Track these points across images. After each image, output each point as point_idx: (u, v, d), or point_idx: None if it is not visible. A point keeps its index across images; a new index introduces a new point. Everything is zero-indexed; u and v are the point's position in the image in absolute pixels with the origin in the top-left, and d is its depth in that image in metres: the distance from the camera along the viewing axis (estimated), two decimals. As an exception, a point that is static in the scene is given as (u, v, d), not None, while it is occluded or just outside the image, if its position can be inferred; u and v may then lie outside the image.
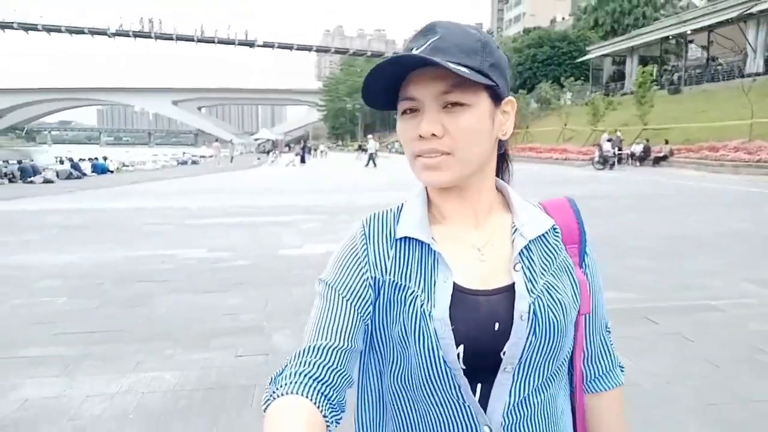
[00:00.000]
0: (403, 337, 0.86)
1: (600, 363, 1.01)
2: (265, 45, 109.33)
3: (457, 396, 0.86)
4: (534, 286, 0.87)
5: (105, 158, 28.83)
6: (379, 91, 0.85)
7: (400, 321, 0.86)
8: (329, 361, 0.81)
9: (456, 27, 0.86)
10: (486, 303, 0.86)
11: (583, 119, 34.46)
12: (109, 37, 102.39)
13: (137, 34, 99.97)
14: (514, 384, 0.87)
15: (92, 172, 25.22)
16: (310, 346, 0.83)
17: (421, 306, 0.85)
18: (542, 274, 0.89)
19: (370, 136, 39.71)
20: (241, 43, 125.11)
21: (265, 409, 0.74)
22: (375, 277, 0.89)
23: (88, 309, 4.95)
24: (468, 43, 0.83)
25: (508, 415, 0.87)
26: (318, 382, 0.78)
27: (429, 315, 0.84)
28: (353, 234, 0.93)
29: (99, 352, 3.96)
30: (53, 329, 4.41)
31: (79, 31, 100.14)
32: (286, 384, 0.76)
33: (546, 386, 0.90)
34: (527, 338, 0.84)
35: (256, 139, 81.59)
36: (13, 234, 9.30)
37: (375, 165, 30.83)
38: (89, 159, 27.05)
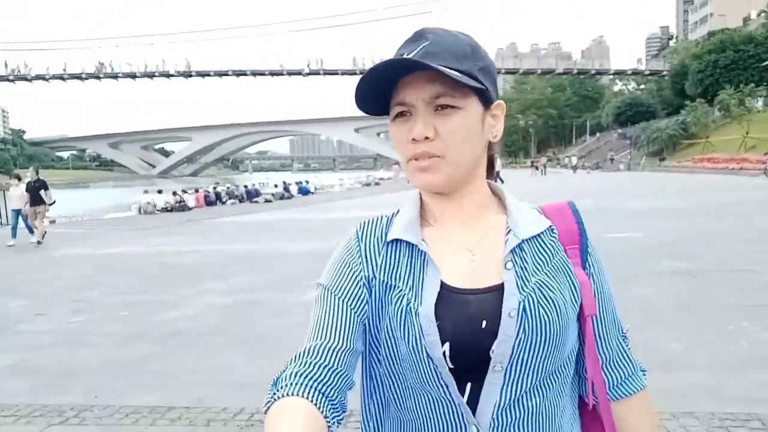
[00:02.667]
0: (390, 335, 0.87)
1: (620, 368, 0.99)
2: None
3: (445, 394, 0.87)
4: (525, 285, 0.86)
5: (307, 182, 34.21)
6: (372, 96, 0.87)
7: (388, 319, 0.88)
8: (328, 362, 0.82)
9: (446, 32, 0.87)
10: (474, 301, 0.86)
11: (769, 127, 32.94)
12: (303, 76, 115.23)
13: (311, 72, 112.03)
14: (506, 384, 0.86)
15: (298, 193, 30.47)
16: (309, 348, 0.84)
17: (408, 304, 0.86)
18: (535, 272, 0.88)
19: (495, 154, 41.36)
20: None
21: (266, 410, 0.76)
22: (368, 277, 0.91)
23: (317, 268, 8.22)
24: (458, 48, 0.85)
25: (498, 417, 0.86)
26: (318, 383, 0.79)
27: (415, 312, 0.85)
28: (348, 238, 0.96)
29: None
30: (306, 279, 7.69)
31: (279, 73, 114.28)
32: (286, 385, 0.78)
33: (543, 389, 0.88)
34: (517, 336, 0.84)
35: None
36: (268, 233, 13.48)
37: (503, 181, 32.63)
38: (296, 183, 32.45)
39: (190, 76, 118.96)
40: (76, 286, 7.87)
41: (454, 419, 0.87)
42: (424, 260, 0.90)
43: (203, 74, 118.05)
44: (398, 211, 0.97)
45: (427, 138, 0.84)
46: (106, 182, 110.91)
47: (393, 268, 0.91)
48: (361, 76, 0.84)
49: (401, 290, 0.88)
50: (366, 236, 0.95)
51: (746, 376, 3.78)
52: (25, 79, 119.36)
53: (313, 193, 32.15)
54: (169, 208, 21.86)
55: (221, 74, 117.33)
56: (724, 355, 4.19)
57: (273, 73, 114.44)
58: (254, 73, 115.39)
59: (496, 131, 0.92)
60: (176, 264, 9.45)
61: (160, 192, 24.08)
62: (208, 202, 24.45)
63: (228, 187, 29.07)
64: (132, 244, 12.66)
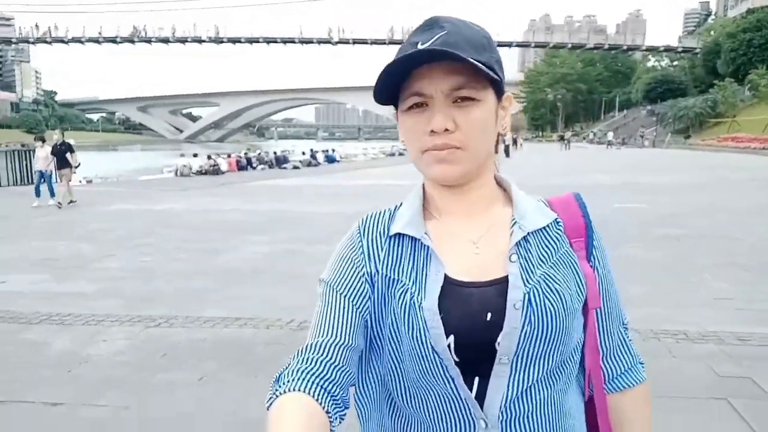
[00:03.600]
0: (395, 329, 0.87)
1: (620, 360, 1.00)
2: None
3: (452, 389, 0.87)
4: (530, 277, 0.86)
5: (333, 150, 35.16)
6: (384, 85, 0.85)
7: (392, 314, 0.88)
8: (331, 358, 0.82)
9: (461, 22, 0.86)
10: (478, 294, 0.86)
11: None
12: (333, 44, 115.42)
13: (340, 41, 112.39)
14: (512, 376, 0.85)
15: (324, 161, 31.46)
16: (311, 344, 0.84)
17: (411, 298, 0.87)
18: (540, 265, 0.88)
19: (505, 134, 41.80)
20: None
21: (269, 406, 0.76)
22: (371, 272, 0.91)
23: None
24: (476, 39, 0.84)
25: (506, 410, 0.86)
26: (320, 379, 0.79)
27: (419, 306, 0.86)
28: (350, 233, 0.97)
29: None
30: (336, 236, 8.68)
31: (308, 41, 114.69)
32: (289, 381, 0.78)
33: (550, 382, 0.88)
34: (522, 328, 0.84)
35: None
36: (299, 196, 14.55)
37: (508, 156, 33.34)
38: (322, 151, 33.43)
39: (222, 42, 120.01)
40: (135, 235, 9.00)
41: (462, 414, 0.87)
42: (427, 254, 0.89)
43: (234, 40, 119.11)
44: (401, 204, 0.97)
45: (446, 130, 0.83)
46: (134, 145, 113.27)
47: (396, 262, 0.91)
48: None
49: (404, 284, 0.88)
50: (368, 231, 0.95)
51: (694, 312, 4.69)
52: (62, 41, 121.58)
53: (339, 161, 33.09)
54: (203, 171, 23.03)
55: (251, 41, 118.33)
56: (682, 298, 5.10)
57: (303, 41, 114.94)
58: (284, 41, 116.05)
59: (506, 123, 0.92)
60: (220, 220, 10.55)
61: (195, 156, 25.28)
62: (240, 167, 25.61)
63: (258, 153, 30.22)
64: (176, 202, 13.81)
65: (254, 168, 26.74)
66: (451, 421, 0.88)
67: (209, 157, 24.44)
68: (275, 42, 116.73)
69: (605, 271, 0.96)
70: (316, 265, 5.88)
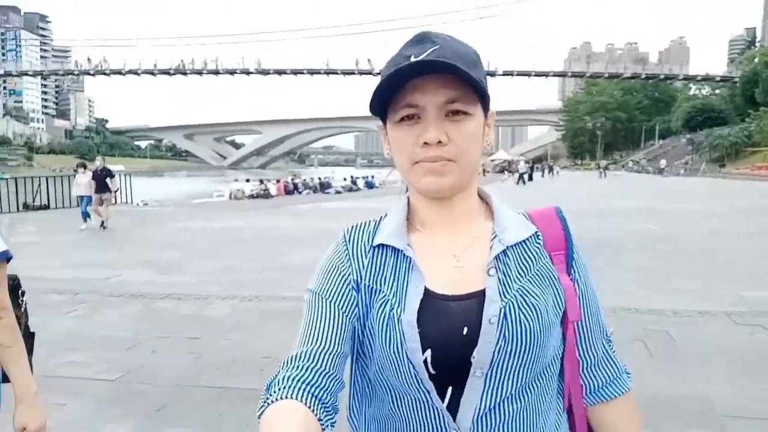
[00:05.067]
0: (373, 339, 0.89)
1: (604, 372, 1.00)
2: (505, 74, 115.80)
3: (426, 399, 0.88)
4: (507, 291, 0.87)
5: (372, 176, 37.09)
6: (381, 96, 0.86)
7: (371, 323, 0.89)
8: (319, 365, 0.84)
9: (450, 38, 0.88)
10: (456, 308, 0.87)
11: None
12: (374, 75, 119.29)
13: (380, 73, 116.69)
14: (486, 390, 0.87)
15: (364, 186, 33.39)
16: (300, 352, 0.85)
17: (391, 310, 0.88)
18: (518, 279, 0.89)
19: (521, 157, 43.59)
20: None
21: (260, 415, 0.76)
22: (356, 280, 0.92)
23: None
24: (467, 54, 0.86)
25: (478, 422, 0.87)
26: (310, 386, 0.80)
27: (397, 319, 0.86)
28: (336, 243, 0.98)
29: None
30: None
31: (350, 73, 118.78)
32: (279, 389, 0.79)
33: (525, 394, 0.89)
34: (497, 342, 0.85)
35: (492, 160, 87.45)
36: (345, 216, 16.27)
37: (524, 183, 34.63)
38: (362, 177, 35.41)
39: (267, 73, 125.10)
40: (212, 245, 10.85)
41: (435, 423, 0.89)
42: (409, 266, 0.91)
43: (279, 72, 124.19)
44: (386, 215, 0.99)
45: (439, 142, 0.84)
46: (179, 171, 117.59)
47: (378, 272, 0.92)
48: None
49: (385, 295, 0.89)
50: (353, 240, 0.96)
51: (626, 287, 6.14)
52: (120, 73, 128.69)
53: (377, 186, 34.93)
54: (254, 195, 25.15)
55: (296, 72, 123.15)
56: (621, 279, 6.55)
57: (344, 72, 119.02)
58: (327, 72, 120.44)
59: (489, 139, 0.93)
60: (278, 234, 12.35)
61: (248, 181, 27.56)
62: (287, 191, 27.71)
63: (304, 179, 32.36)
64: (237, 220, 15.72)
65: (300, 192, 28.82)
66: (424, 429, 0.90)
67: (261, 182, 26.63)
68: (318, 73, 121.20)
69: (585, 284, 0.96)
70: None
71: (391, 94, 0.86)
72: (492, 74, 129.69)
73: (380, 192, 30.77)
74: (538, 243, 0.94)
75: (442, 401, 0.88)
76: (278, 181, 29.60)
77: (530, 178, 43.08)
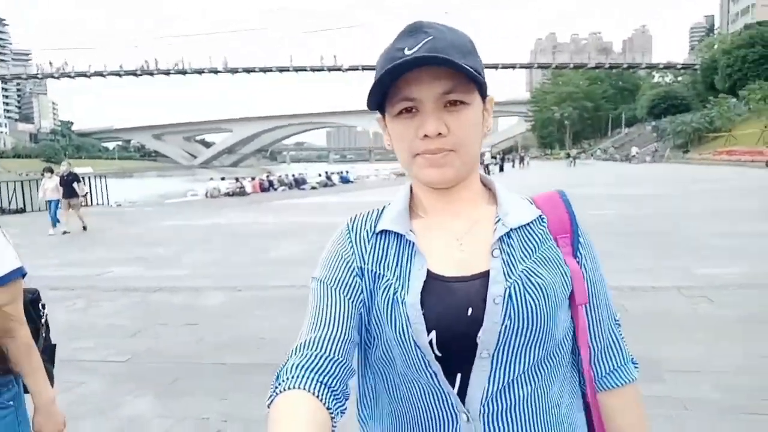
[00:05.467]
0: (379, 323, 0.90)
1: (610, 358, 0.99)
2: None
3: (434, 382, 0.89)
4: (511, 272, 0.88)
5: (347, 171, 37.47)
6: (377, 90, 0.86)
7: (376, 308, 0.90)
8: (328, 352, 0.84)
9: (444, 27, 0.87)
10: (460, 289, 0.88)
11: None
12: (343, 71, 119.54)
13: (350, 68, 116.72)
14: (493, 371, 0.87)
15: (339, 181, 33.74)
16: (307, 340, 0.86)
17: (395, 294, 0.89)
18: (522, 260, 0.89)
19: (487, 149, 44.43)
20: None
21: (269, 404, 0.77)
22: (361, 267, 0.93)
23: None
24: (462, 43, 0.86)
25: (487, 404, 0.87)
26: (318, 374, 0.81)
27: (402, 301, 0.88)
28: (339, 232, 1.00)
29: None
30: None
31: (319, 69, 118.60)
32: (288, 378, 0.79)
33: (533, 376, 0.89)
34: (502, 322, 0.85)
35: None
36: (321, 211, 16.77)
37: (489, 173, 35.52)
38: (337, 173, 35.78)
39: (236, 72, 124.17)
40: (196, 241, 11.17)
41: (445, 407, 0.89)
42: (411, 250, 0.92)
43: (248, 70, 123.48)
44: (389, 204, 1.00)
45: (439, 134, 0.84)
46: (149, 172, 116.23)
47: (381, 258, 0.93)
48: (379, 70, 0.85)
49: (388, 279, 0.90)
50: (356, 227, 0.98)
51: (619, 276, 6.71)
52: (85, 75, 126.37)
53: (353, 182, 35.35)
54: (230, 193, 25.38)
55: (265, 70, 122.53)
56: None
57: (314, 69, 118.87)
58: (296, 69, 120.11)
59: (488, 125, 0.94)
60: (259, 230, 12.71)
61: (223, 179, 27.73)
62: (263, 188, 28.01)
63: (279, 176, 32.61)
64: (217, 217, 16.00)
65: (275, 189, 29.10)
66: (435, 414, 0.90)
67: (236, 180, 26.86)
68: (287, 70, 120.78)
69: (592, 266, 0.97)
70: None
71: (387, 88, 0.87)
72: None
73: (355, 186, 31.23)
74: (543, 226, 0.95)
75: (452, 387, 0.89)
76: (253, 178, 29.81)
77: (501, 168, 43.96)
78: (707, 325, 4.88)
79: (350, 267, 0.93)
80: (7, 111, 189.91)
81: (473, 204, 0.96)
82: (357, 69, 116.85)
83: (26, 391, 1.66)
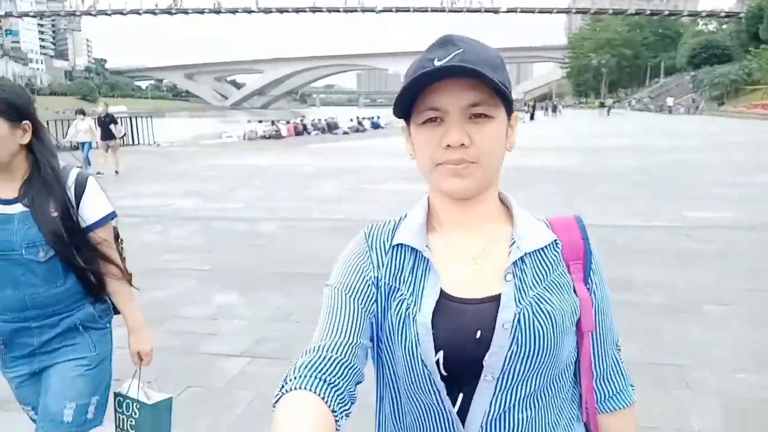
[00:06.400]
0: (389, 337, 0.92)
1: (612, 383, 1.02)
2: (509, 10, 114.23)
3: (437, 401, 0.90)
4: (522, 297, 0.88)
5: (378, 117, 38.18)
6: (405, 98, 0.88)
7: (388, 322, 0.92)
8: (336, 354, 0.85)
9: (474, 41, 0.89)
10: (471, 311, 0.89)
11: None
12: (376, 13, 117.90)
13: (384, 9, 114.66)
14: (496, 394, 0.88)
15: (370, 127, 34.59)
16: (317, 344, 0.87)
17: (407, 310, 0.90)
18: (533, 286, 0.90)
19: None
20: (487, 11, 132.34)
21: (275, 403, 0.78)
22: (377, 277, 0.94)
23: (393, 174, 12.23)
24: (491, 58, 0.87)
25: (486, 427, 0.89)
26: (325, 374, 0.81)
27: (413, 319, 0.89)
28: (356, 241, 1.00)
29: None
30: (390, 180, 11.71)
31: (353, 10, 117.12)
32: (295, 378, 0.80)
33: (536, 402, 0.90)
34: (509, 348, 0.86)
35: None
36: (355, 154, 17.79)
37: (532, 119, 35.85)
38: (368, 118, 36.54)
39: (270, 11, 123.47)
40: (242, 179, 12.36)
41: (444, 426, 0.91)
42: (426, 266, 0.93)
43: (281, 10, 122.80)
44: (406, 215, 1.00)
45: (462, 145, 0.85)
46: (181, 112, 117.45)
47: (397, 272, 0.94)
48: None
49: (402, 294, 0.92)
50: (374, 239, 0.98)
51: (594, 208, 7.65)
52: (121, 13, 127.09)
53: (383, 127, 36.09)
54: (266, 136, 26.47)
55: (298, 10, 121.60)
56: (593, 202, 8.06)
57: (347, 10, 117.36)
58: (329, 9, 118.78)
59: (512, 142, 0.94)
60: (299, 171, 13.84)
61: (260, 122, 28.83)
62: (297, 132, 29.01)
63: (312, 121, 33.58)
64: (257, 158, 17.17)
65: (309, 133, 30.12)
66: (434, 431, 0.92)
67: (272, 123, 27.94)
68: (320, 11, 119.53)
69: (602, 295, 0.98)
70: (378, 194, 9.50)
71: (415, 97, 0.88)
72: (495, 11, 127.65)
73: (386, 132, 32.04)
74: (557, 251, 0.95)
75: (453, 406, 0.90)
76: (288, 122, 30.87)
77: (532, 117, 43.94)
78: (683, 257, 5.85)
79: (365, 277, 0.95)
80: (43, 48, 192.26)
81: (489, 220, 0.97)
82: (390, 11, 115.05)
83: (116, 312, 1.91)
